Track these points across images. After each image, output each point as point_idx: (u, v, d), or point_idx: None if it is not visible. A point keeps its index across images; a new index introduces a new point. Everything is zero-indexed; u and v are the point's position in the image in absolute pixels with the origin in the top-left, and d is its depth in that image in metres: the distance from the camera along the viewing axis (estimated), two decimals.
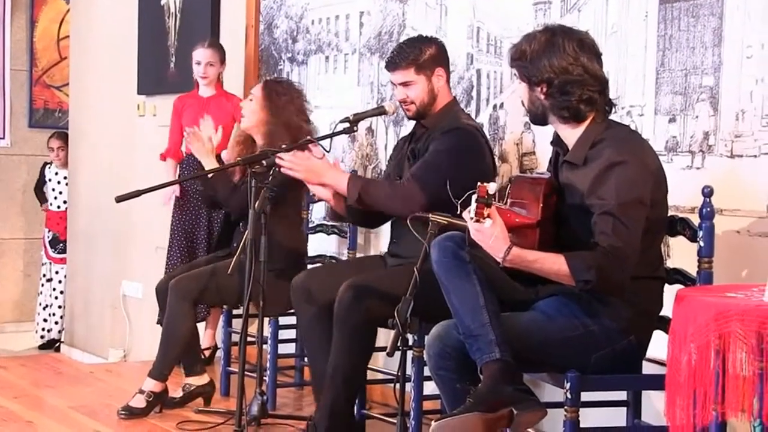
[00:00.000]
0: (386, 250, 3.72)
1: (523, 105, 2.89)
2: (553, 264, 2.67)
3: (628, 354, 2.81)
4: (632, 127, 3.14)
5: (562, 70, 2.75)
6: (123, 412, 4.01)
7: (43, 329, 6.93)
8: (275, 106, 4.06)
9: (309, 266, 4.25)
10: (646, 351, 2.86)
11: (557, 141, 2.88)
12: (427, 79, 3.48)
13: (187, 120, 4.91)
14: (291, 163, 3.39)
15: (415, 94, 3.48)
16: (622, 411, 3.00)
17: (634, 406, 2.98)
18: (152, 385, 4.04)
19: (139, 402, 4.02)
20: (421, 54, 3.48)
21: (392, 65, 3.51)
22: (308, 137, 4.04)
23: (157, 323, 4.90)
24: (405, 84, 3.49)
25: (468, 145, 3.42)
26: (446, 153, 3.39)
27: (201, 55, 4.91)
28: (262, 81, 4.26)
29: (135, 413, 4.00)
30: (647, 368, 2.92)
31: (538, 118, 2.87)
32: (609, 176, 2.68)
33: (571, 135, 2.82)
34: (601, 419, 2.99)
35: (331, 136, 3.45)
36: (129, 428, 3.93)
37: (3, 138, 7.43)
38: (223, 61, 4.94)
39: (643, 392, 2.99)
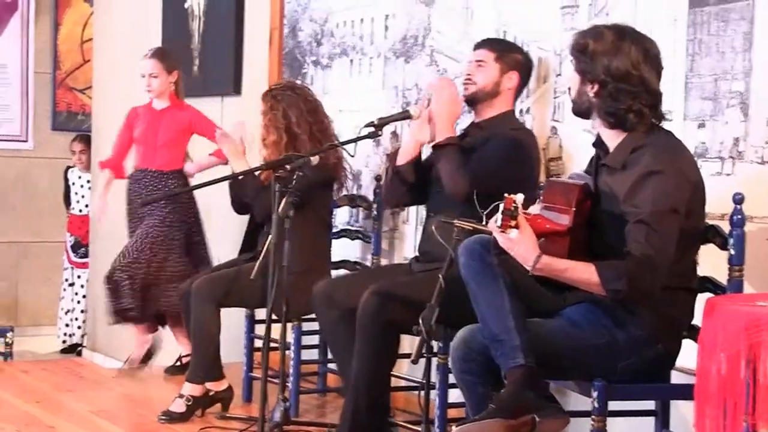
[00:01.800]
0: (416, 250, 3.71)
1: (569, 93, 2.86)
2: (583, 273, 2.65)
3: (656, 363, 2.79)
4: None
5: (620, 77, 2.72)
6: (163, 417, 3.99)
7: (65, 334, 6.94)
8: (278, 115, 4.04)
9: (332, 271, 4.23)
10: (675, 360, 2.82)
11: (599, 143, 2.85)
12: (500, 71, 3.53)
13: (139, 133, 4.76)
14: (447, 83, 3.52)
15: (482, 77, 3.53)
16: (650, 421, 2.96)
17: (662, 415, 2.94)
18: (191, 389, 4.03)
19: (179, 407, 4.01)
20: (509, 51, 3.59)
21: (479, 45, 3.61)
22: (329, 141, 4.04)
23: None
24: (479, 63, 3.54)
25: (527, 149, 3.47)
26: (508, 149, 3.43)
27: (143, 67, 4.72)
28: (263, 94, 4.21)
29: (175, 418, 3.99)
30: (676, 378, 2.88)
31: (581, 111, 2.84)
32: (646, 184, 2.65)
33: (612, 138, 2.80)
34: (629, 429, 2.96)
35: (355, 140, 3.44)
36: None
37: (26, 141, 7.46)
38: (170, 70, 4.71)
39: (672, 402, 2.95)
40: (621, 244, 2.66)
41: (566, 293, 2.83)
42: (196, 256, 4.76)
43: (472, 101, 3.58)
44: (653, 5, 3.32)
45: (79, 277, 6.90)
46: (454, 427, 2.69)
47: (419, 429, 3.20)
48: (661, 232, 2.62)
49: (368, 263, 4.31)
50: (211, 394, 4.09)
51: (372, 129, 3.43)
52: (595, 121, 2.83)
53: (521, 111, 3.79)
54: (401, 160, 3.62)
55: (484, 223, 2.74)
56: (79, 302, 6.88)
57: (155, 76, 4.69)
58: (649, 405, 2.96)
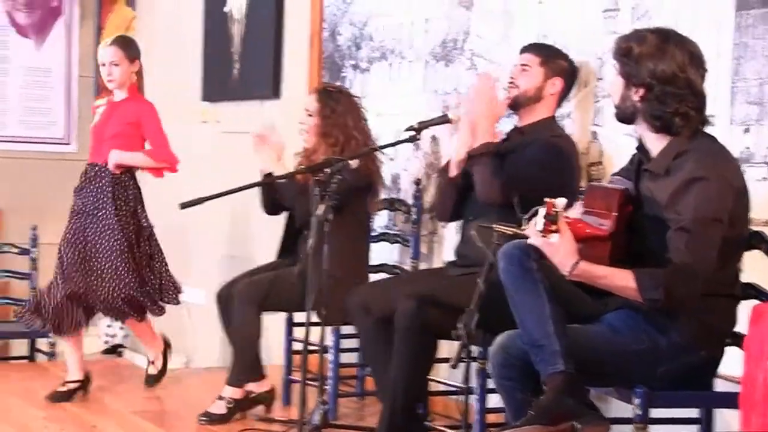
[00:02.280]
0: (454, 253, 3.70)
1: (611, 98, 2.84)
2: (621, 280, 2.64)
3: (697, 370, 2.77)
4: None
5: (666, 79, 2.70)
6: (203, 418, 4.00)
7: (107, 335, 6.98)
8: (336, 115, 4.05)
9: (371, 275, 4.23)
10: (718, 367, 2.79)
11: (641, 147, 2.83)
12: (544, 76, 3.53)
13: (95, 126, 4.55)
14: (486, 84, 3.50)
15: (525, 81, 3.54)
16: (693, 429, 2.93)
17: (705, 423, 2.90)
18: (231, 391, 4.04)
19: (219, 408, 4.02)
20: (555, 57, 3.57)
21: (526, 48, 3.61)
22: (371, 146, 4.05)
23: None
24: (524, 67, 3.54)
25: (567, 156, 3.46)
26: (546, 155, 3.41)
27: (102, 55, 4.46)
28: (316, 92, 4.22)
29: (215, 419, 3.99)
30: (720, 385, 2.85)
31: (625, 117, 2.82)
32: (689, 191, 2.63)
33: (655, 143, 2.77)
34: None
35: (395, 144, 3.44)
36: None
37: (69, 144, 7.52)
38: (132, 59, 4.44)
39: (715, 410, 2.91)
40: (663, 249, 2.64)
41: (607, 298, 2.81)
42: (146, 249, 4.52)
43: (515, 105, 3.57)
44: (697, 8, 3.29)
45: None
46: None
47: None
48: (702, 240, 2.60)
49: (407, 267, 4.31)
50: (252, 395, 4.10)
51: (412, 133, 3.43)
52: (638, 126, 2.80)
53: (561, 115, 3.76)
54: (454, 171, 3.60)
55: (523, 226, 2.73)
56: None
57: (116, 64, 4.41)
58: (692, 413, 2.93)
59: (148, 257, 4.53)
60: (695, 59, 2.73)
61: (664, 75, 2.69)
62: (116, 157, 4.39)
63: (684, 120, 2.71)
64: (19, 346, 5.82)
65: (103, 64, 4.45)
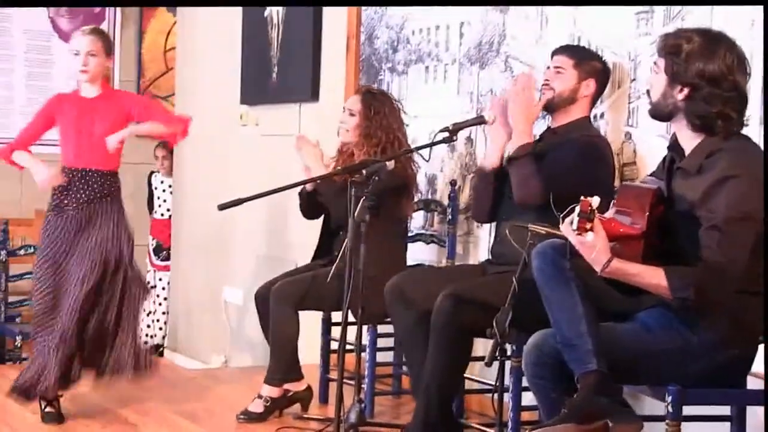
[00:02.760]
0: (489, 252, 3.73)
1: (648, 95, 2.84)
2: (653, 278, 2.66)
3: (730, 368, 2.77)
4: None
5: (714, 80, 2.71)
6: (242, 416, 4.07)
7: (147, 335, 7.08)
8: (379, 117, 4.10)
9: None
10: (751, 365, 2.80)
11: (674, 146, 2.84)
12: (577, 78, 3.56)
13: (68, 124, 4.08)
14: (527, 83, 3.56)
15: (560, 83, 3.56)
16: (726, 426, 2.94)
17: (738, 421, 2.91)
18: (269, 390, 4.10)
19: (257, 407, 4.09)
20: (588, 58, 3.60)
21: (558, 50, 3.64)
22: (407, 148, 4.09)
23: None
24: (558, 69, 3.57)
25: (602, 155, 3.48)
26: (582, 153, 3.44)
27: (79, 43, 4.06)
28: (360, 93, 4.28)
29: (253, 417, 4.07)
30: (753, 383, 2.85)
31: (662, 114, 2.82)
32: (721, 189, 2.64)
33: (690, 141, 2.78)
34: None
35: (430, 145, 3.48)
36: None
37: None
38: (108, 52, 4.11)
39: (748, 407, 2.92)
40: (695, 248, 2.65)
41: (641, 296, 2.83)
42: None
43: (549, 107, 3.60)
44: (729, 8, 3.29)
45: (160, 279, 7.04)
46: (527, 431, 2.70)
47: (492, 431, 3.22)
48: (733, 239, 2.61)
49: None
50: (290, 394, 4.15)
51: (446, 134, 3.46)
52: (675, 124, 2.81)
53: (595, 116, 3.79)
54: (489, 167, 3.64)
55: (561, 225, 2.75)
56: (160, 304, 7.02)
57: (93, 55, 4.04)
58: (725, 410, 2.94)
59: (106, 309, 4.11)
60: (742, 63, 2.74)
61: (712, 76, 2.70)
62: (127, 132, 4.08)
63: (725, 122, 2.72)
64: None
65: (77, 53, 4.05)
